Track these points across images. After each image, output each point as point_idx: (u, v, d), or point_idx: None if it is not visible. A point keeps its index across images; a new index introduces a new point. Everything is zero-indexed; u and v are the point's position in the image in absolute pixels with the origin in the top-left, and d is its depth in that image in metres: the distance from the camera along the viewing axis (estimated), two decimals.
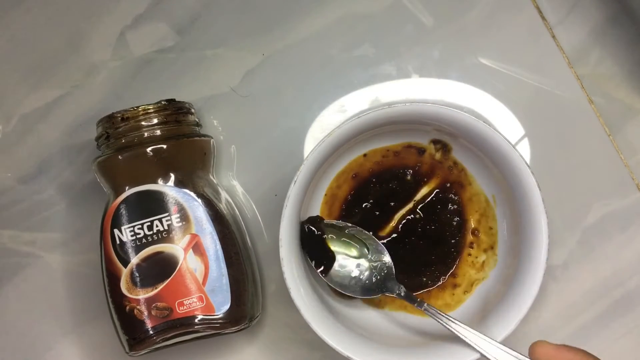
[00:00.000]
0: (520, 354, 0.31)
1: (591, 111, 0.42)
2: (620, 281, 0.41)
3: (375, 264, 0.37)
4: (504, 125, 0.41)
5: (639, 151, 0.41)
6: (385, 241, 0.39)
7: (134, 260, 0.36)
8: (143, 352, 0.36)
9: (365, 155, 0.39)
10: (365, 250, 0.37)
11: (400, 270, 0.38)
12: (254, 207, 0.42)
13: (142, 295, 0.36)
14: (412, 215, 0.40)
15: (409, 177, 0.40)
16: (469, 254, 0.39)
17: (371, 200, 0.40)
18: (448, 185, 0.39)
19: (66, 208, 0.42)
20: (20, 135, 0.43)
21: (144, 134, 0.37)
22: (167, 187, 0.36)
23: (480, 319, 0.36)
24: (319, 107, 0.42)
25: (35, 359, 0.41)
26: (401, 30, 0.43)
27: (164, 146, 0.36)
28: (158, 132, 0.37)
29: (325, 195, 0.40)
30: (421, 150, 0.39)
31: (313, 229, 0.37)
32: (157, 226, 0.36)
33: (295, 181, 0.34)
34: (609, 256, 0.41)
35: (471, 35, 0.42)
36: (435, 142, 0.39)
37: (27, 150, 0.42)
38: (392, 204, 0.40)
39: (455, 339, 0.34)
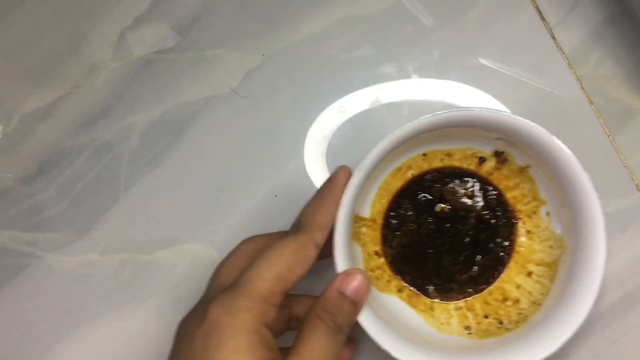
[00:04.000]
0: None
1: (591, 112, 0.42)
2: (620, 282, 0.40)
3: None
4: None
5: (639, 151, 0.41)
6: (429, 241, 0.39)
7: None
8: None
9: (424, 154, 0.39)
10: None
11: (439, 271, 0.38)
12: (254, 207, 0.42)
13: None
14: (462, 221, 0.39)
15: (465, 182, 0.39)
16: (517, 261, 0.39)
17: (423, 197, 0.39)
18: (502, 193, 0.39)
19: (66, 208, 0.42)
20: (21, 136, 0.43)
21: None
22: None
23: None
24: (319, 108, 0.42)
25: (35, 359, 0.41)
26: (401, 31, 0.43)
27: None
28: None
29: (380, 188, 0.39)
30: (482, 159, 0.38)
31: None
32: None
33: (362, 169, 0.33)
34: (609, 256, 0.41)
35: (471, 35, 0.42)
36: (497, 153, 0.38)
37: (27, 150, 0.42)
38: (442, 205, 0.39)
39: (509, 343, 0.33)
